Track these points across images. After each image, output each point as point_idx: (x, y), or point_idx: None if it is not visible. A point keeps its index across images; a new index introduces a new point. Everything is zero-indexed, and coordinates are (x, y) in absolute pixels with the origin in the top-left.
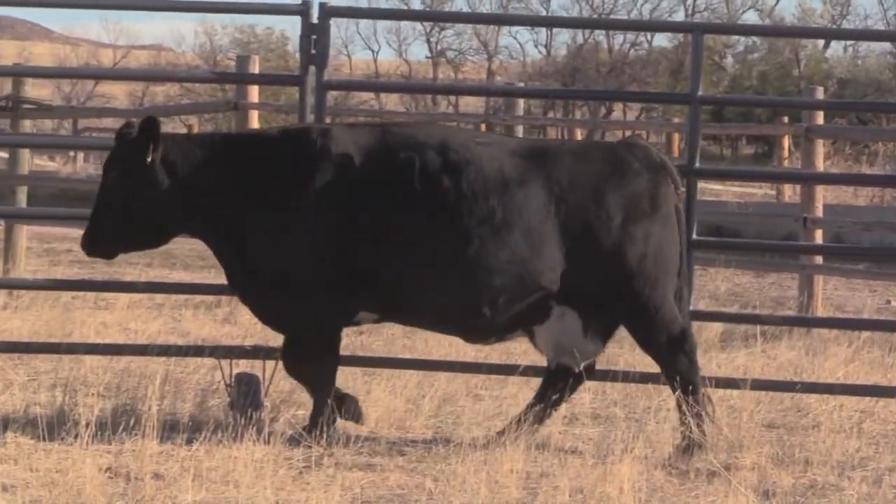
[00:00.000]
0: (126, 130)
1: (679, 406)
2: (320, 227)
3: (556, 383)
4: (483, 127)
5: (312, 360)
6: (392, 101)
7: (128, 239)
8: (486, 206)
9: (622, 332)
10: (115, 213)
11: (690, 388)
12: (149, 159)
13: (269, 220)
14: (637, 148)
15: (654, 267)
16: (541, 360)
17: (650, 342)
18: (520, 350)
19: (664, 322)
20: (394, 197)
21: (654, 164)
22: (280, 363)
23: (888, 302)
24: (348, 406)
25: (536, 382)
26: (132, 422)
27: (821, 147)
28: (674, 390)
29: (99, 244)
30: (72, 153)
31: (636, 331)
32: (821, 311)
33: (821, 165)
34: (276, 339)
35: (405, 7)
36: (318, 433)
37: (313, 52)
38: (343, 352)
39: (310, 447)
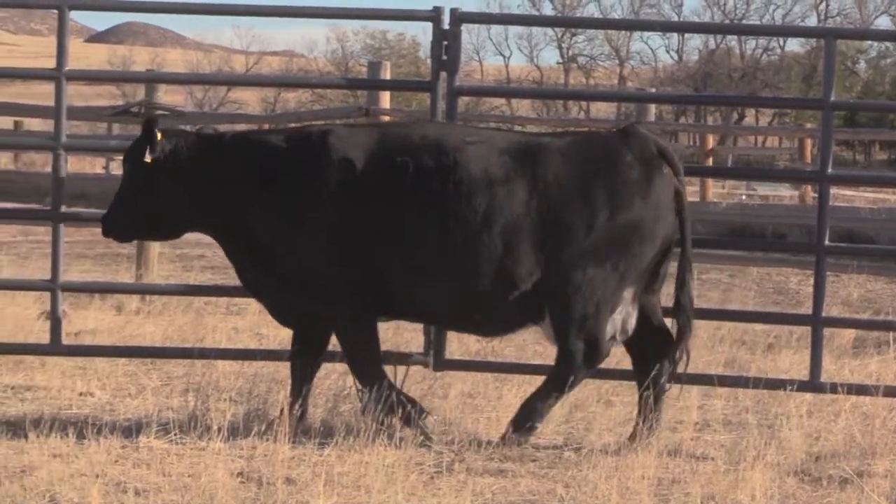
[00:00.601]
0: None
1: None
2: (320, 227)
3: (647, 367)
4: None
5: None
6: (523, 107)
7: (138, 228)
8: (470, 206)
9: (751, 336)
10: (128, 202)
11: (556, 387)
12: (146, 159)
13: (271, 221)
14: (633, 137)
15: (622, 261)
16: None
17: (565, 338)
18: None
19: (590, 325)
20: (387, 198)
21: (649, 155)
22: (411, 368)
23: None
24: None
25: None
26: (264, 427)
27: None
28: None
29: (112, 228)
30: None
31: (562, 320)
32: None
33: None
34: (407, 345)
35: (536, 13)
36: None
37: (444, 57)
38: (474, 357)
39: (441, 452)
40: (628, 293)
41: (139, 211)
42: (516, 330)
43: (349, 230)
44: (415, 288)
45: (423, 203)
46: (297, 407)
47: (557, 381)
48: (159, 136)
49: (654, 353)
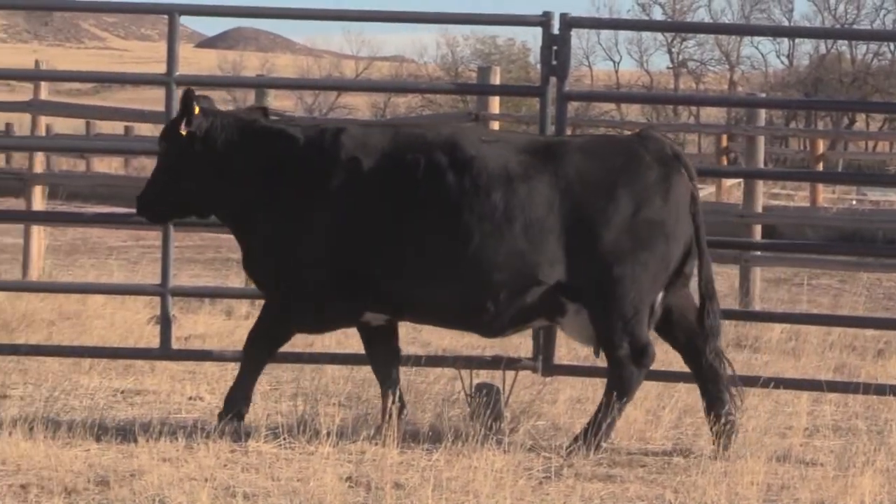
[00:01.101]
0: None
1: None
2: (330, 225)
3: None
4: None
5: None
6: (633, 112)
7: (172, 208)
8: (487, 204)
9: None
10: (162, 182)
11: (623, 393)
12: (182, 131)
13: (282, 215)
14: (650, 141)
15: (651, 260)
16: (783, 371)
17: (612, 341)
18: (760, 361)
19: (633, 327)
20: (400, 196)
21: (667, 157)
22: (519, 373)
23: None
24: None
25: (777, 394)
26: (372, 431)
27: None
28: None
29: (146, 207)
30: None
31: (603, 325)
32: None
33: None
34: (516, 350)
35: (647, 17)
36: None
37: (554, 62)
38: (583, 362)
39: (549, 457)
40: (661, 294)
41: (173, 190)
42: (521, 328)
43: (360, 227)
44: (426, 286)
45: (426, 203)
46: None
47: (615, 391)
48: (197, 110)
49: (702, 345)
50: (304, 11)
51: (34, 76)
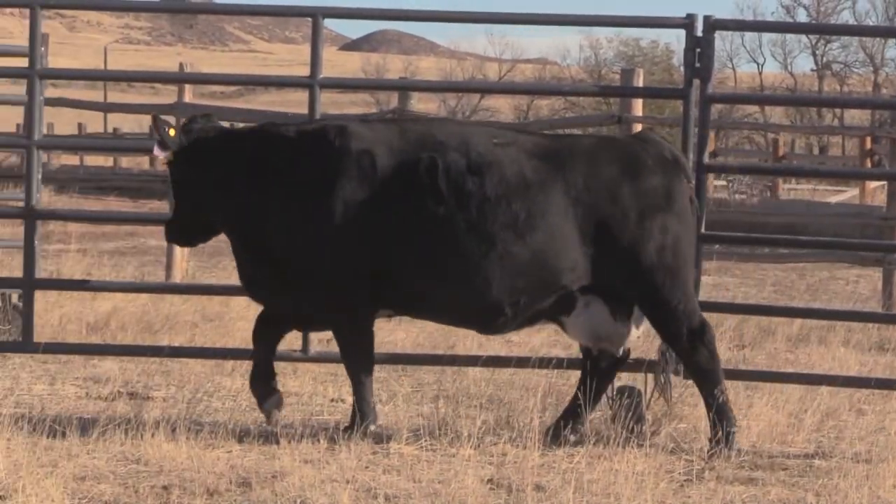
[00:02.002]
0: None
1: (706, 401)
2: (340, 224)
3: (598, 369)
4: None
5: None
6: (776, 115)
7: (194, 230)
8: (505, 208)
9: None
10: (177, 205)
11: (712, 379)
12: (157, 154)
13: (288, 218)
14: (650, 143)
15: (673, 260)
16: None
17: (672, 334)
18: None
19: (686, 314)
20: (411, 196)
21: (667, 160)
22: (661, 376)
23: None
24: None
25: None
26: (514, 433)
27: None
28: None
29: (171, 233)
30: None
31: (659, 323)
32: None
33: None
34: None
35: (791, 20)
36: (358, 426)
37: (697, 65)
38: (725, 366)
39: (691, 460)
40: None
41: (188, 212)
42: (535, 323)
43: (370, 227)
44: (439, 286)
45: (439, 204)
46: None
47: (705, 382)
48: (172, 131)
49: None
50: (448, 14)
51: (178, 79)
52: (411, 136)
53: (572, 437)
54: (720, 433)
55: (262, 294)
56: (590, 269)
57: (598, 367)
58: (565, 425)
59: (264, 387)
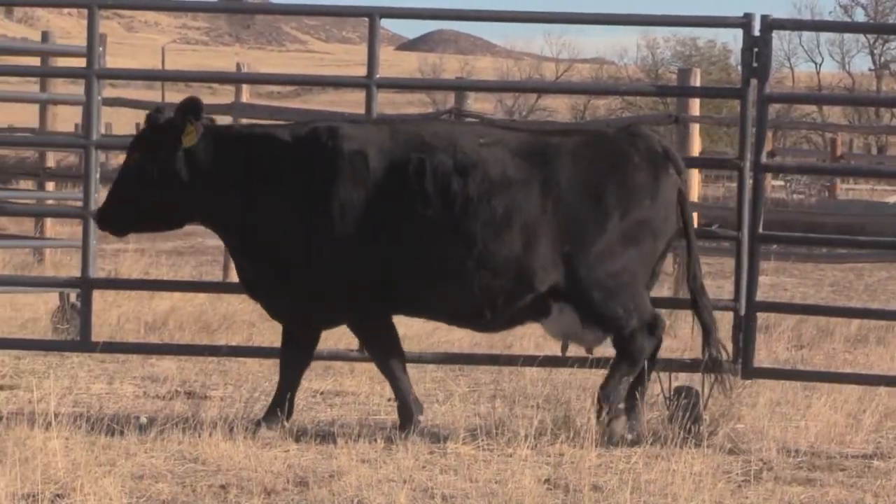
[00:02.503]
0: (155, 114)
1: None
2: (334, 224)
3: None
4: None
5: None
6: (834, 114)
7: (140, 218)
8: (484, 208)
9: None
10: (133, 192)
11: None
12: (186, 144)
13: (285, 217)
14: (639, 138)
15: (638, 260)
16: None
17: (614, 325)
18: None
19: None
20: (398, 196)
21: (656, 155)
22: (719, 376)
23: None
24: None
25: None
26: (571, 433)
27: None
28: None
29: (111, 220)
30: None
31: (597, 314)
32: None
33: None
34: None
35: (848, 19)
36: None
37: (755, 64)
38: (783, 365)
39: (749, 461)
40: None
41: (143, 202)
42: (522, 323)
43: (361, 228)
44: (427, 287)
45: (442, 201)
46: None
47: (624, 362)
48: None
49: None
50: (505, 14)
51: (236, 79)
52: (401, 137)
53: (629, 437)
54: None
55: (259, 294)
56: (566, 268)
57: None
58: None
59: (275, 421)
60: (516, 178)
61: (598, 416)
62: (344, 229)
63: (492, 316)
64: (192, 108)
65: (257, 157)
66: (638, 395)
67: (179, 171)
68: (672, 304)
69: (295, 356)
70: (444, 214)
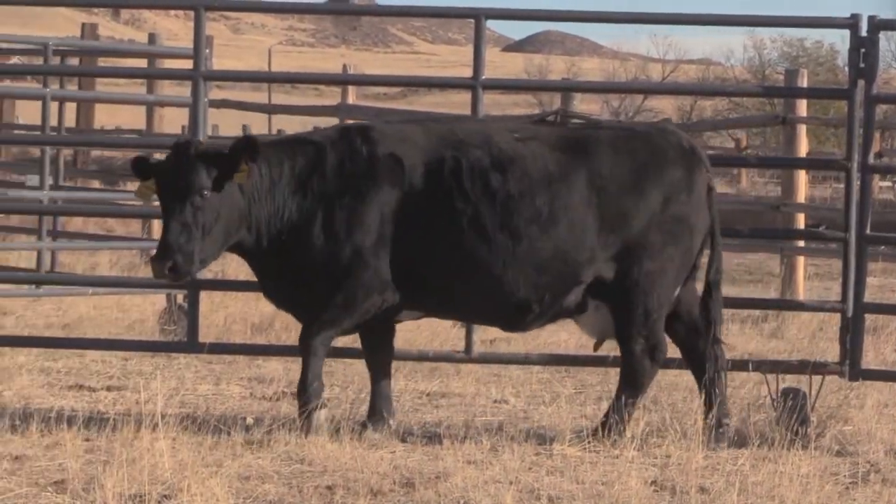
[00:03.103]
0: (186, 144)
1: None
2: (376, 224)
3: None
4: None
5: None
6: None
7: (208, 252)
8: (530, 203)
9: None
10: (204, 225)
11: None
12: (235, 181)
13: (327, 220)
14: (670, 134)
15: (677, 256)
16: None
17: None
18: None
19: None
20: (441, 195)
21: (687, 151)
22: (826, 378)
23: None
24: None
25: None
26: (678, 435)
27: None
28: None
29: (186, 262)
30: None
31: (623, 309)
32: None
33: None
34: (822, 354)
35: None
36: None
37: (862, 65)
38: (891, 367)
39: (857, 463)
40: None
41: (221, 233)
42: (556, 320)
43: (401, 225)
44: (467, 285)
45: (467, 201)
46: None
47: (628, 386)
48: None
49: (702, 340)
50: (612, 14)
51: (342, 80)
52: (434, 135)
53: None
54: (606, 431)
55: (287, 297)
56: (609, 261)
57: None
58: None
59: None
60: (558, 172)
61: (706, 418)
62: (387, 229)
63: (539, 311)
64: (250, 148)
65: (304, 164)
66: (715, 397)
67: (234, 197)
68: (779, 305)
69: (375, 354)
70: (487, 212)
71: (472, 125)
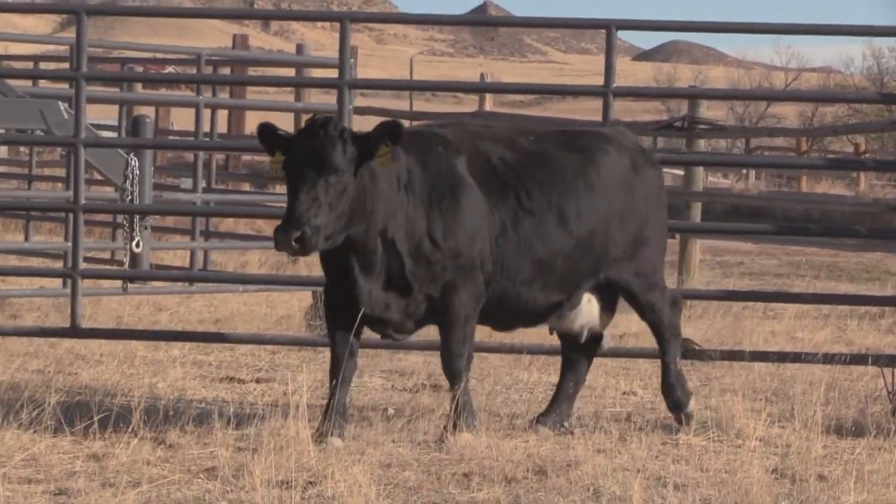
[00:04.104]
0: (327, 120)
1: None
2: (482, 230)
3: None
4: None
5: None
6: None
7: (333, 231)
8: (557, 199)
9: None
10: (337, 205)
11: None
12: (375, 164)
13: (437, 222)
14: (628, 136)
15: (661, 246)
16: None
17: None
18: None
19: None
20: (511, 195)
21: (644, 150)
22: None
23: None
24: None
25: None
26: (798, 426)
27: None
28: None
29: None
30: (744, 171)
31: (649, 300)
32: None
33: None
34: None
35: None
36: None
37: None
38: None
39: None
40: None
41: (346, 218)
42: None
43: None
44: (519, 285)
45: (540, 197)
46: None
47: (672, 342)
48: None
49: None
50: (736, 25)
51: (479, 88)
52: (487, 137)
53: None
54: (676, 393)
55: (382, 299)
56: (612, 257)
57: (583, 352)
58: (556, 412)
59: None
60: (571, 168)
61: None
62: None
63: (565, 308)
64: (392, 133)
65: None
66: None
67: (364, 185)
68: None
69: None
70: (527, 212)
71: (500, 130)
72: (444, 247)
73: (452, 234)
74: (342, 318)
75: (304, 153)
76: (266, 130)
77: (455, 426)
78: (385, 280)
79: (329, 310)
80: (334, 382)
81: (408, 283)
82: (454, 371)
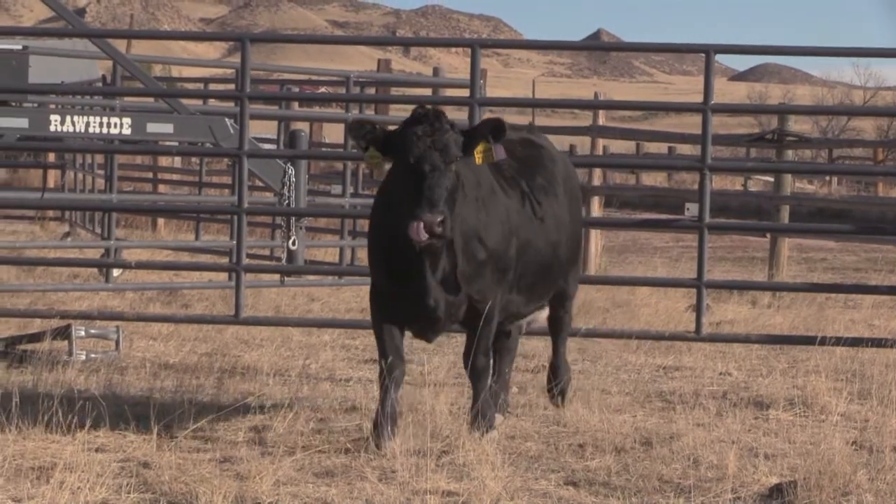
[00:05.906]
0: (440, 112)
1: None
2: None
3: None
4: None
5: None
6: None
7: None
8: (549, 208)
9: None
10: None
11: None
12: (475, 160)
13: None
14: (544, 140)
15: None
16: None
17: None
18: None
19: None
20: (526, 200)
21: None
22: None
23: None
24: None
25: None
26: (875, 403)
27: None
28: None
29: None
30: (827, 178)
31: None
32: None
33: None
34: None
35: None
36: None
37: None
38: None
39: None
40: None
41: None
42: None
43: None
44: (524, 288)
45: (532, 201)
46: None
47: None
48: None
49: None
50: (821, 49)
51: (593, 105)
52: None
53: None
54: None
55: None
56: (566, 258)
57: (508, 342)
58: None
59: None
60: (555, 175)
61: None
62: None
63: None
64: (495, 129)
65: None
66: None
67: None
68: None
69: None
70: (535, 217)
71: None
72: (489, 248)
73: (495, 236)
74: (394, 320)
75: (426, 141)
76: (359, 126)
77: (475, 424)
78: (440, 279)
79: (381, 311)
80: (385, 384)
81: (457, 284)
82: (481, 370)
